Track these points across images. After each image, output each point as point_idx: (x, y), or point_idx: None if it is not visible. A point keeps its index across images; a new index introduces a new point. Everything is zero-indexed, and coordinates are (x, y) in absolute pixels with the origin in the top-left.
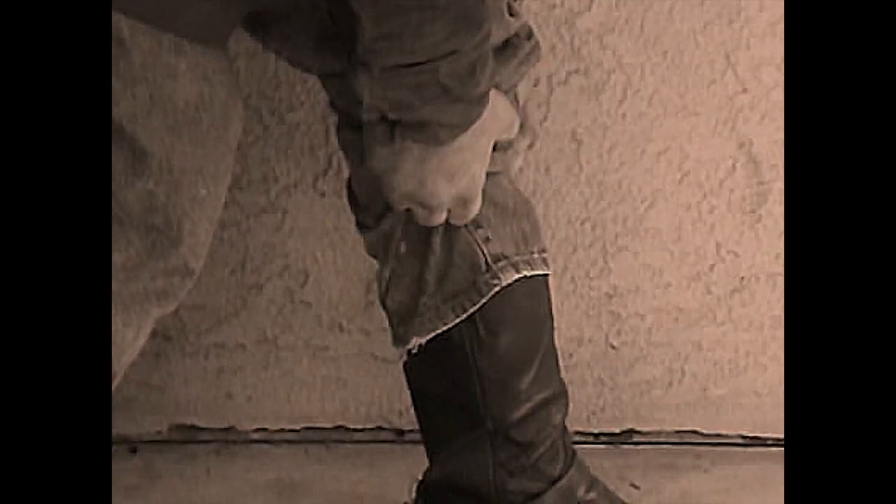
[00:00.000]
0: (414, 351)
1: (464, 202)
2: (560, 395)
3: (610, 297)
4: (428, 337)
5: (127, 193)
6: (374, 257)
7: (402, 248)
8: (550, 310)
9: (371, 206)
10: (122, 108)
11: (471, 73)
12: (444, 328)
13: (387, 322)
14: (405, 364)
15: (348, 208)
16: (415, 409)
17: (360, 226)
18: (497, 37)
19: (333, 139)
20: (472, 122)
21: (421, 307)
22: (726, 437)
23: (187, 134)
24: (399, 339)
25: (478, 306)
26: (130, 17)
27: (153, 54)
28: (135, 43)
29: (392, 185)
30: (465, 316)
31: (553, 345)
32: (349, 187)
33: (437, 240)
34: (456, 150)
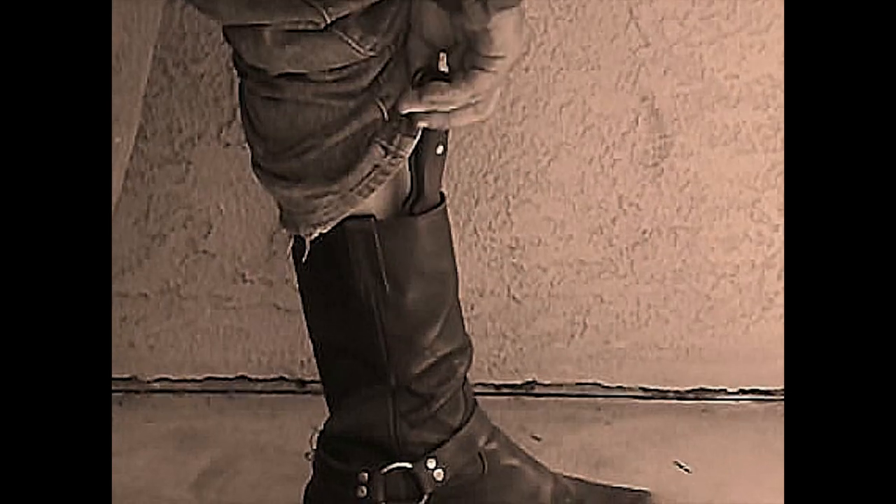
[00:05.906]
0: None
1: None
2: (464, 349)
3: (512, 249)
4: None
5: None
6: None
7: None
8: (455, 265)
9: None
10: None
11: None
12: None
13: (290, 273)
14: (307, 317)
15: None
16: (317, 361)
17: (257, 164)
18: None
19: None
20: None
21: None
22: (627, 389)
23: None
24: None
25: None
26: None
27: None
28: None
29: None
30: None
31: (457, 299)
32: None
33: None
34: None
